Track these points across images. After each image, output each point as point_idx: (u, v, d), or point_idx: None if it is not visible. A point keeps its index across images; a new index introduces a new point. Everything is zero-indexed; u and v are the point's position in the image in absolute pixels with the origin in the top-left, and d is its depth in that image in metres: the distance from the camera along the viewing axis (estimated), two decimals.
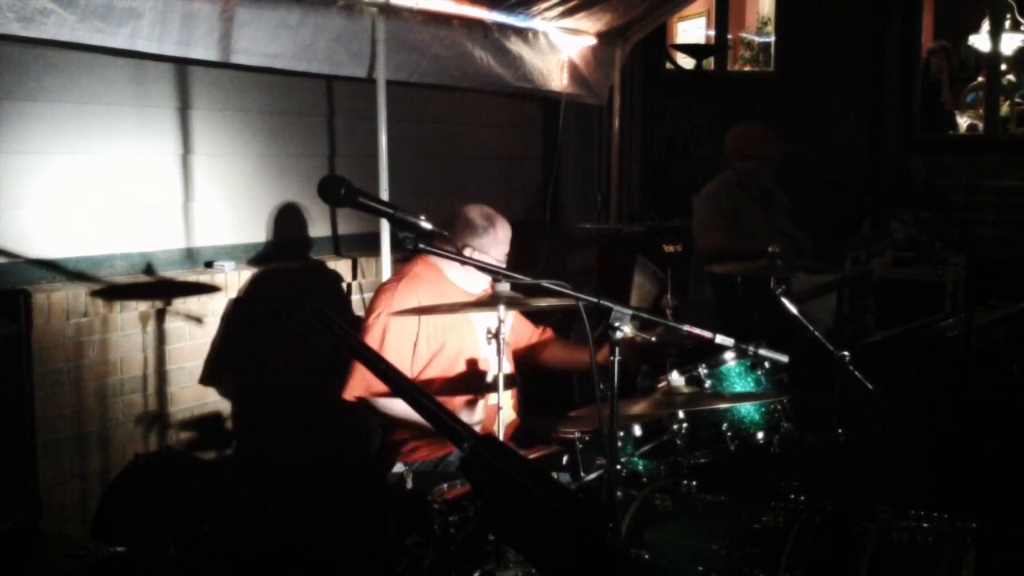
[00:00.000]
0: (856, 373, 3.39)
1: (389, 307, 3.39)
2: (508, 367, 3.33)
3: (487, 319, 3.13)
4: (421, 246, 2.17)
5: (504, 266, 3.50)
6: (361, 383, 3.32)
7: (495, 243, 3.52)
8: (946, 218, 6.95)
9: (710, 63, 7.58)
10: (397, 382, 1.50)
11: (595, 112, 6.47)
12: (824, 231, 5.30)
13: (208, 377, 4.10)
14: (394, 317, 3.34)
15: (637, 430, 3.10)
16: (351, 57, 4.30)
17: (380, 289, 3.62)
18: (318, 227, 4.75)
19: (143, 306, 3.83)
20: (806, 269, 4.49)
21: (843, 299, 4.74)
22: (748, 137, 5.08)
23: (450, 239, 3.45)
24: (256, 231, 4.48)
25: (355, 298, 4.70)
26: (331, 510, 4.22)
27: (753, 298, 4.59)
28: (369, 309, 3.52)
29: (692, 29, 8.57)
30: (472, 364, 3.49)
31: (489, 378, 3.42)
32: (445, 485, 2.79)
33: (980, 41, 8.05)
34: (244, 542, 3.68)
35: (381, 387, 3.25)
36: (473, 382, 3.47)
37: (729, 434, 3.27)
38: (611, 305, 2.32)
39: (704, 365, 3.37)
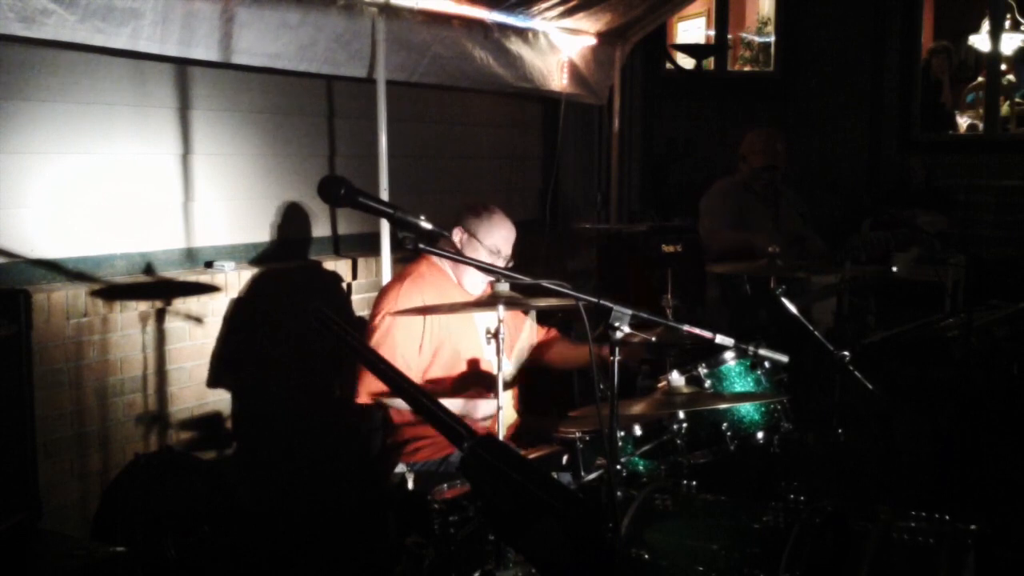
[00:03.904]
0: (856, 373, 3.38)
1: (394, 307, 3.39)
2: (509, 367, 3.33)
3: (489, 319, 3.13)
4: (421, 246, 2.17)
5: (498, 257, 3.53)
6: (375, 383, 3.31)
7: (490, 230, 3.54)
8: (946, 218, 6.94)
9: (710, 63, 7.58)
10: (396, 381, 1.49)
11: (595, 112, 6.47)
12: (824, 231, 5.30)
13: (208, 377, 4.10)
14: (399, 317, 3.34)
15: (637, 430, 3.10)
16: (351, 57, 4.30)
17: (384, 289, 3.62)
18: (318, 227, 4.76)
19: (143, 306, 3.83)
20: (806, 269, 4.49)
21: (843, 299, 4.73)
22: (752, 142, 5.13)
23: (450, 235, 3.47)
24: (256, 231, 4.48)
25: (355, 298, 4.70)
26: (331, 510, 4.22)
27: (761, 298, 4.59)
28: (374, 309, 3.52)
29: (692, 29, 8.57)
30: (474, 364, 3.50)
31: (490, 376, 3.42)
32: (445, 485, 2.79)
33: (980, 41, 8.04)
34: (244, 542, 3.69)
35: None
36: (475, 382, 3.47)
37: (729, 434, 3.27)
38: (611, 305, 2.33)
39: (704, 365, 3.36)
